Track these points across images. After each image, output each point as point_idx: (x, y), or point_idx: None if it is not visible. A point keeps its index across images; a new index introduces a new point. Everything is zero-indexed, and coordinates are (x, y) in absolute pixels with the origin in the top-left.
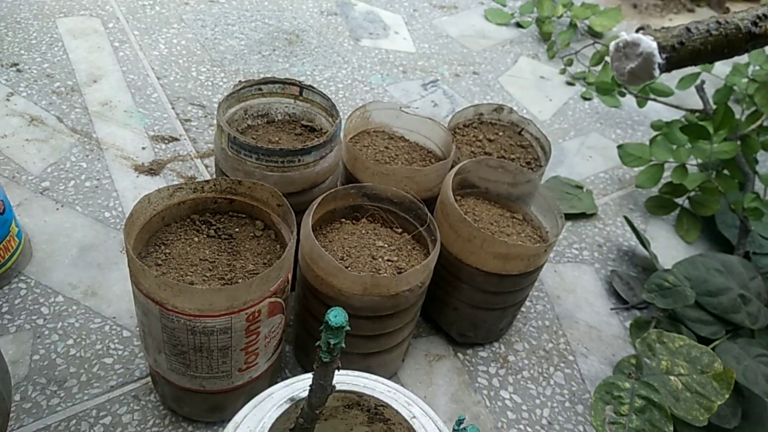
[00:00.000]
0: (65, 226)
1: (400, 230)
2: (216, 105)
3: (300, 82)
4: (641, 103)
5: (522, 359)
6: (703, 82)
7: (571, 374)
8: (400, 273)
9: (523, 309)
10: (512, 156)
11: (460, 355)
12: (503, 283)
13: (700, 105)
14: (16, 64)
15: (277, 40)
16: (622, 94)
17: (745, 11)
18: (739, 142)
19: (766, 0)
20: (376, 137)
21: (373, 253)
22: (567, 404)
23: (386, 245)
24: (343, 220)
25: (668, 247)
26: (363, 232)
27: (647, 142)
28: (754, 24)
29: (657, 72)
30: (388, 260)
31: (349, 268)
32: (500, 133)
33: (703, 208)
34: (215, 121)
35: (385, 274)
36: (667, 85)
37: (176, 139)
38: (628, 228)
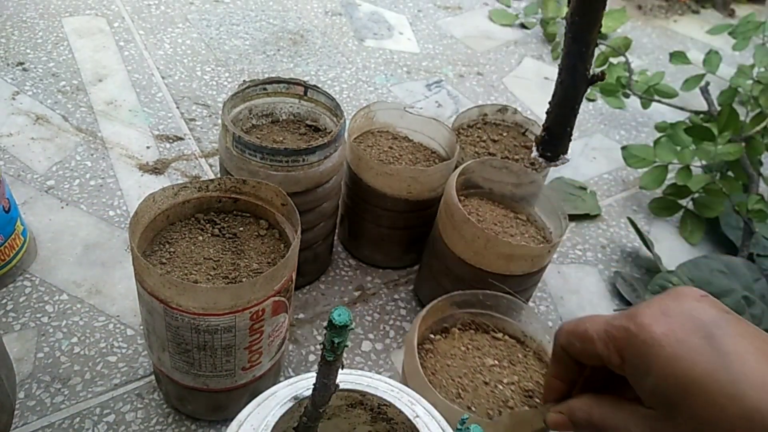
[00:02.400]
0: (70, 224)
1: (500, 334)
2: (220, 104)
3: (305, 81)
4: (645, 105)
5: None
6: (707, 83)
7: None
8: (530, 397)
9: None
10: (516, 156)
11: None
12: (507, 283)
13: (704, 106)
14: (21, 63)
15: (282, 40)
16: (627, 96)
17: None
18: (743, 144)
19: None
20: (380, 137)
21: (486, 377)
22: None
23: (497, 361)
24: (432, 336)
25: (672, 249)
26: (463, 349)
27: (651, 144)
28: (531, 164)
29: None
30: (510, 383)
31: (473, 409)
32: (504, 134)
33: (707, 210)
34: (220, 121)
35: (523, 407)
36: (671, 87)
37: (181, 139)
38: (631, 229)
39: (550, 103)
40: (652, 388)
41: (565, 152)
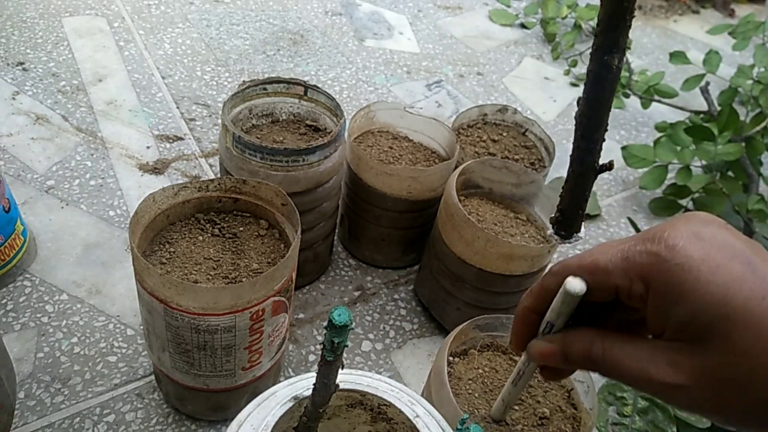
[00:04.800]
0: (70, 224)
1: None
2: (220, 104)
3: (305, 81)
4: (645, 105)
5: None
6: (707, 83)
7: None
8: (542, 425)
9: None
10: (516, 156)
11: None
12: (507, 283)
13: (704, 106)
14: (21, 63)
15: (282, 40)
16: (627, 96)
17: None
18: (743, 144)
19: None
20: (380, 137)
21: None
22: None
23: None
24: (451, 358)
25: None
26: (481, 371)
27: (651, 144)
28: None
29: None
30: (526, 407)
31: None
32: (504, 134)
33: (708, 210)
34: (220, 121)
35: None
36: (671, 87)
37: (181, 139)
38: (632, 229)
39: (563, 188)
40: (684, 316)
41: (578, 231)
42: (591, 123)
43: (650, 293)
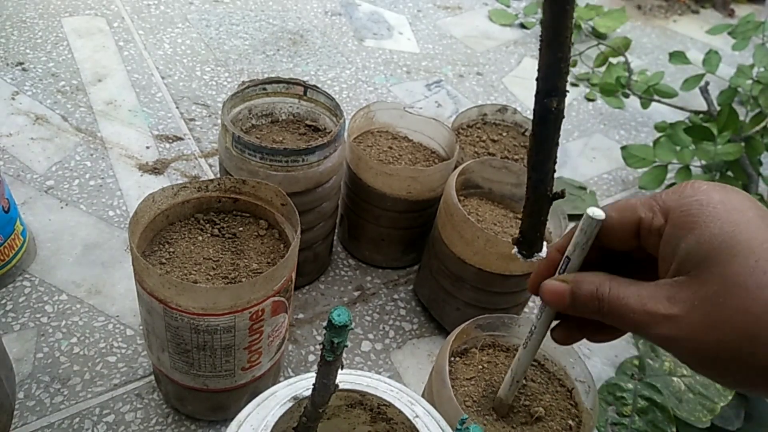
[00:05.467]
0: (69, 224)
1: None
2: (220, 104)
3: (304, 81)
4: (645, 105)
5: None
6: (707, 83)
7: None
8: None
9: (526, 309)
10: (516, 156)
11: None
12: (506, 283)
13: (704, 106)
14: (21, 63)
15: (282, 40)
16: (626, 96)
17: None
18: (743, 144)
19: None
20: (379, 137)
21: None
22: None
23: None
24: (452, 358)
25: None
26: (480, 369)
27: (651, 144)
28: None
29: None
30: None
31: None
32: (504, 134)
33: None
34: (219, 121)
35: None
36: (671, 87)
37: (180, 139)
38: None
39: (522, 212)
40: (691, 245)
41: (540, 250)
42: (540, 157)
43: (668, 224)
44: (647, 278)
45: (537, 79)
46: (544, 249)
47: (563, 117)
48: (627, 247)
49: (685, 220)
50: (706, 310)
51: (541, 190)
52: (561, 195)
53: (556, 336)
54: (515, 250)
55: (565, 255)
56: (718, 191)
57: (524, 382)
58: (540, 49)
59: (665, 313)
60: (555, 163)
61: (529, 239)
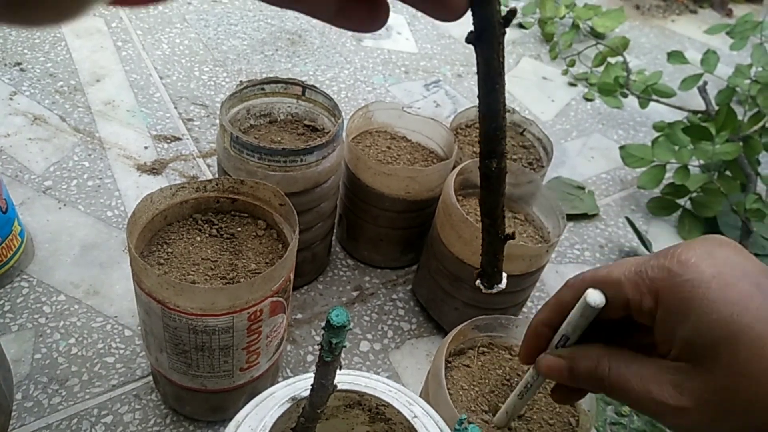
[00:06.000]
0: (68, 225)
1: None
2: (218, 105)
3: (303, 81)
4: (643, 104)
5: None
6: (705, 83)
7: None
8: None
9: (524, 309)
10: (514, 156)
11: None
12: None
13: (702, 106)
14: (19, 63)
15: (280, 40)
16: (624, 95)
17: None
18: (741, 144)
19: None
20: (378, 137)
21: (502, 399)
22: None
23: (507, 381)
24: (449, 359)
25: None
26: (479, 370)
27: (649, 143)
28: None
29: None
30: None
31: None
32: None
33: (705, 210)
34: (218, 121)
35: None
36: (669, 86)
37: (179, 139)
38: (629, 229)
39: (482, 247)
40: (690, 333)
41: (499, 282)
42: (488, 205)
43: (659, 308)
44: (648, 341)
45: (479, 143)
46: (504, 281)
47: (505, 173)
48: (619, 316)
49: (678, 305)
50: (717, 403)
51: (492, 233)
52: (512, 237)
53: (556, 398)
54: (477, 281)
55: (562, 333)
56: (708, 263)
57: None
58: (479, 119)
59: (675, 405)
60: (503, 209)
61: (488, 273)
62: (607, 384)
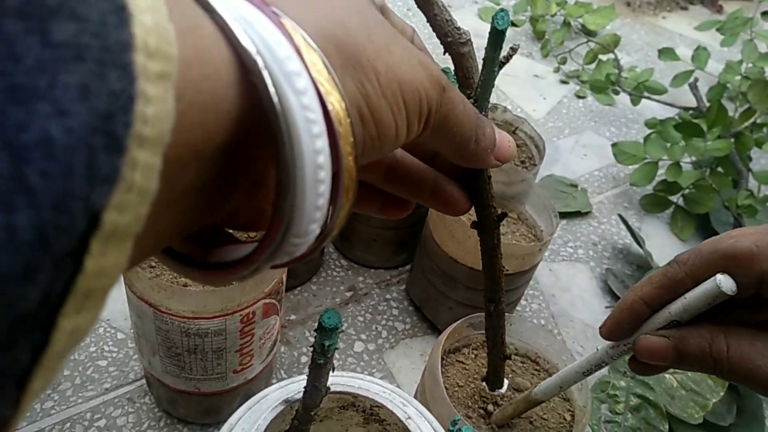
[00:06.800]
0: None
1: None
2: None
3: None
4: (635, 101)
5: None
6: (696, 79)
7: None
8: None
9: (518, 308)
10: None
11: None
12: None
13: (693, 103)
14: None
15: None
16: (616, 92)
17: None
18: (732, 140)
19: None
20: None
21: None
22: None
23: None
24: (443, 357)
25: (663, 245)
26: (474, 369)
27: (641, 140)
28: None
29: None
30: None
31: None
32: None
33: (698, 206)
34: None
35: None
36: (660, 83)
37: None
38: (622, 226)
39: (487, 360)
40: None
41: (500, 387)
42: (490, 333)
43: None
44: (760, 318)
45: (484, 290)
46: (505, 386)
47: (504, 313)
48: (749, 295)
49: None
50: None
51: (494, 354)
52: (509, 357)
53: (636, 368)
54: (483, 383)
55: (672, 318)
56: None
57: (514, 378)
58: (483, 271)
59: None
60: (503, 336)
61: (491, 380)
62: (725, 365)
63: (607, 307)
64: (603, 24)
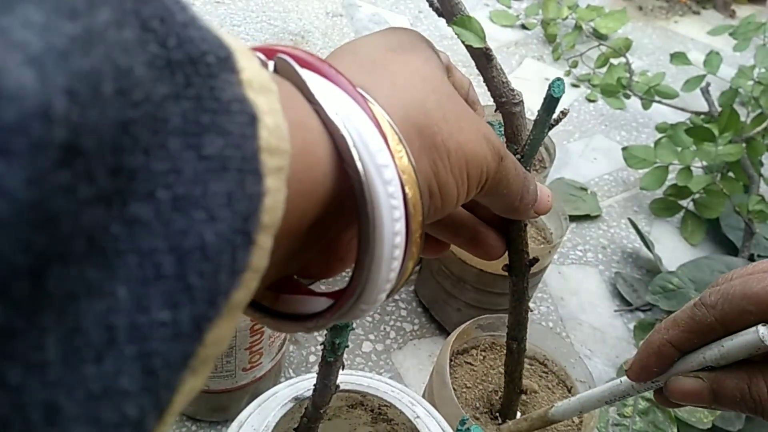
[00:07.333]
0: None
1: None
2: None
3: None
4: (646, 105)
5: None
6: (708, 84)
7: None
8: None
9: None
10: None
11: None
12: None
13: (705, 107)
14: None
15: (283, 41)
16: (627, 96)
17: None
18: (744, 145)
19: None
20: None
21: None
22: None
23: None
24: (452, 358)
25: (672, 249)
26: (482, 370)
27: (652, 144)
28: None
29: None
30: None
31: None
32: None
33: (708, 211)
34: None
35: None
36: (672, 87)
37: None
38: (632, 230)
39: (503, 394)
40: None
41: (513, 417)
42: (509, 368)
43: None
44: None
45: (507, 326)
46: (517, 416)
47: (524, 350)
48: None
49: None
50: None
51: (511, 388)
52: (524, 392)
53: (663, 401)
54: (497, 414)
55: (707, 365)
56: None
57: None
58: (509, 312)
59: None
60: (521, 372)
61: (504, 413)
62: (765, 408)
63: (615, 311)
64: (615, 28)
